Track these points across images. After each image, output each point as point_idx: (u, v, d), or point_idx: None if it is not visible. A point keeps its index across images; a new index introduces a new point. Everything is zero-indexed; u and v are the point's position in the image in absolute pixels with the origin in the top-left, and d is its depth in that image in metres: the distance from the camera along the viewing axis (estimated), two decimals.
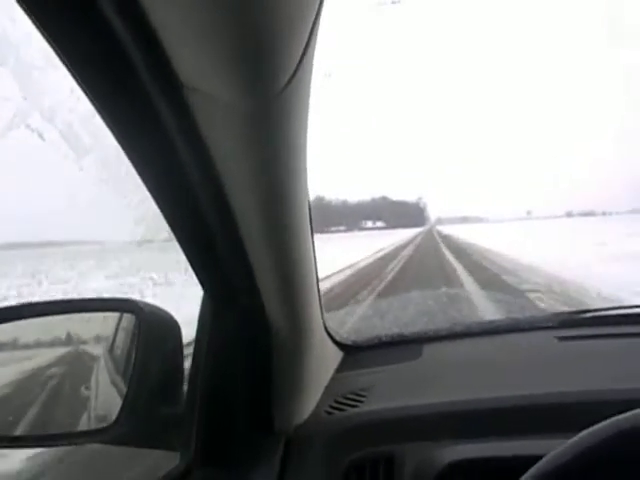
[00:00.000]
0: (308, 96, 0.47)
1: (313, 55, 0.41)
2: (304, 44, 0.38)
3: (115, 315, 0.73)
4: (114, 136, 0.47)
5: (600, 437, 0.45)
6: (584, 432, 0.46)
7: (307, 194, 0.65)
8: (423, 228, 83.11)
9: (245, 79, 0.38)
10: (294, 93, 0.43)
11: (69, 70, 0.40)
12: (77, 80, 0.41)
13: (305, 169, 0.58)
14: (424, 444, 0.73)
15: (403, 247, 22.17)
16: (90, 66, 0.41)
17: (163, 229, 0.62)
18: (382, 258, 15.92)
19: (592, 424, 0.46)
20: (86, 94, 0.43)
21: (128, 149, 0.49)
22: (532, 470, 0.46)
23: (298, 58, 0.39)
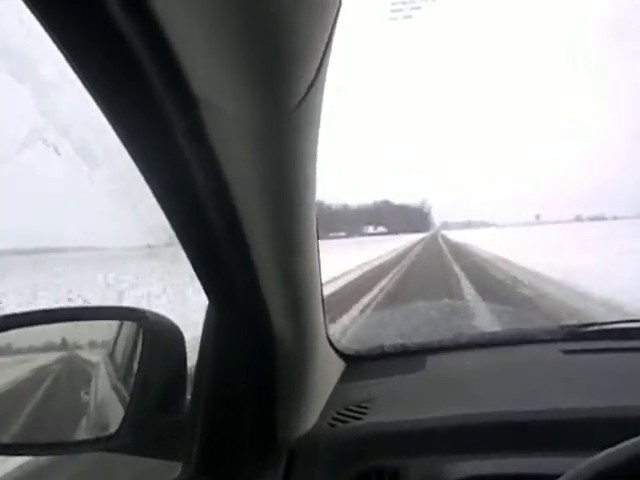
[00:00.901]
0: (320, 112, 0.49)
1: (326, 72, 0.43)
2: (319, 61, 0.40)
3: (116, 322, 0.76)
4: (126, 148, 0.49)
5: (620, 459, 0.45)
6: (603, 453, 0.46)
7: (314, 207, 0.67)
8: (427, 233, 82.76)
9: (261, 95, 0.40)
10: (308, 109, 0.45)
11: (84, 84, 0.42)
12: (92, 94, 0.43)
13: (314, 184, 0.61)
14: (429, 459, 0.75)
15: (400, 258, 18.88)
16: (105, 79, 0.43)
17: (171, 238, 0.66)
18: (379, 266, 14.47)
19: (601, 441, 0.46)
20: (100, 107, 0.44)
21: (139, 161, 0.51)
22: None
23: (313, 75, 0.41)
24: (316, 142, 0.53)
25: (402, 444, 0.79)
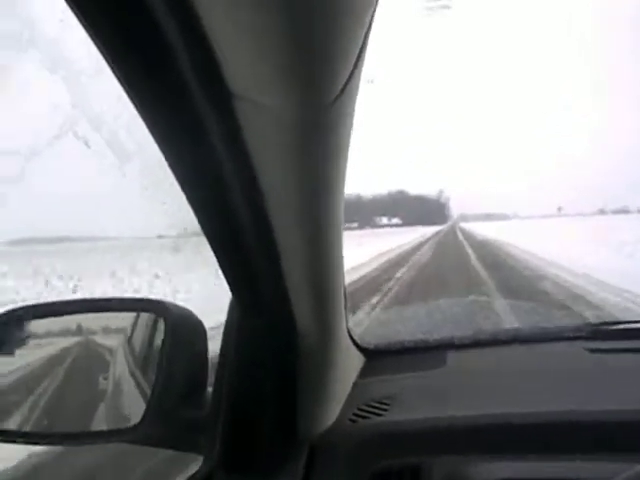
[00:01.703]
0: (354, 107, 0.50)
1: (362, 68, 0.44)
2: (355, 57, 0.41)
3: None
4: (156, 142, 0.50)
5: None
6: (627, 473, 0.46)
7: (343, 203, 0.68)
8: (444, 226, 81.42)
9: (297, 91, 0.41)
10: (343, 105, 0.45)
11: (117, 77, 0.43)
12: (125, 88, 0.44)
13: (344, 181, 0.61)
14: (452, 458, 0.76)
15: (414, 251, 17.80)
16: (140, 74, 0.43)
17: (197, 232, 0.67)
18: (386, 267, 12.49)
19: (630, 446, 0.47)
20: (132, 100, 0.45)
21: (169, 156, 0.52)
22: None
23: (349, 71, 0.41)
24: (349, 138, 0.54)
25: (424, 442, 0.80)
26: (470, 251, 16.49)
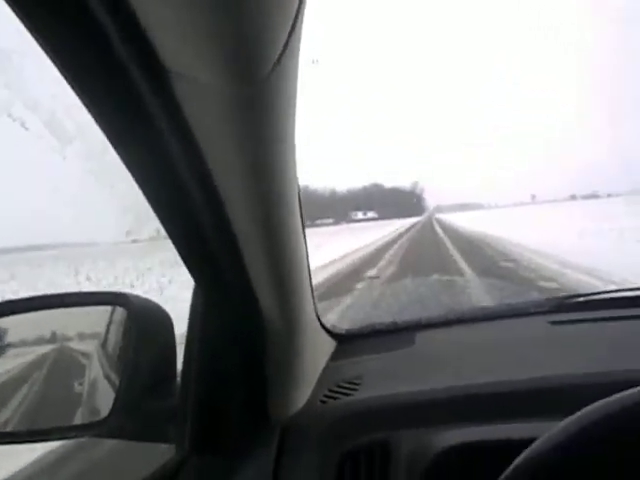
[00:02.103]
0: (295, 80, 0.50)
1: (300, 38, 0.44)
2: (290, 26, 0.41)
3: (107, 310, 0.79)
4: (98, 124, 0.50)
5: (602, 414, 0.48)
6: (585, 409, 0.50)
7: (297, 182, 0.69)
8: (421, 217, 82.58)
9: (230, 63, 0.41)
10: (281, 77, 0.46)
11: (50, 57, 0.42)
12: (58, 67, 0.44)
13: (294, 157, 0.62)
14: (420, 430, 0.79)
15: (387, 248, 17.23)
16: (70, 53, 0.43)
17: (152, 220, 0.67)
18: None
19: (587, 405, 0.50)
20: (67, 81, 0.45)
21: (112, 138, 0.52)
22: (532, 448, 0.50)
23: (284, 41, 0.41)
24: (294, 112, 0.54)
25: (392, 417, 0.83)
26: (451, 247, 15.23)
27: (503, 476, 0.51)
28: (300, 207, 0.76)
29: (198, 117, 0.49)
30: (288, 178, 0.62)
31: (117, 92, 0.47)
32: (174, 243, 0.68)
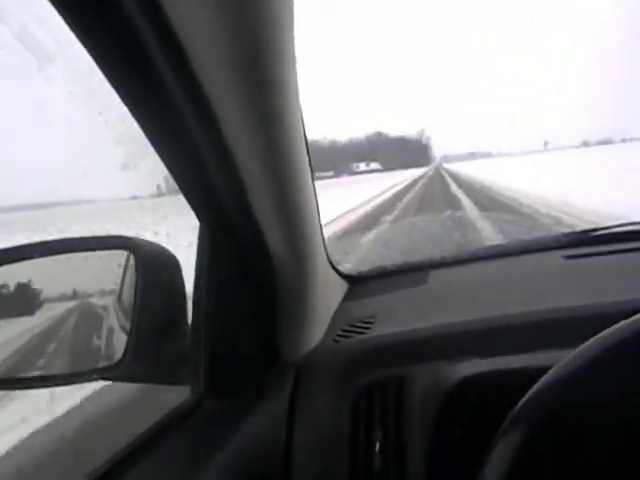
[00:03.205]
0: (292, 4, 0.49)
1: None
2: None
3: (121, 264, 0.81)
4: (90, 53, 0.50)
5: (615, 339, 0.51)
6: (599, 335, 0.52)
7: (302, 117, 0.68)
8: (427, 168, 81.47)
9: None
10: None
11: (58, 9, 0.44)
12: (70, 24, 0.45)
13: (297, 87, 0.61)
14: (434, 364, 0.82)
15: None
16: (83, 8, 0.44)
17: (148, 152, 0.66)
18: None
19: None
20: (84, 44, 0.47)
21: (105, 67, 0.52)
22: (540, 382, 0.52)
23: None
24: (292, 28, 0.53)
25: (406, 353, 0.86)
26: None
27: (521, 403, 0.53)
28: (306, 144, 0.75)
29: (195, 39, 0.49)
30: (292, 109, 0.62)
31: (113, 24, 0.47)
32: (174, 178, 0.69)
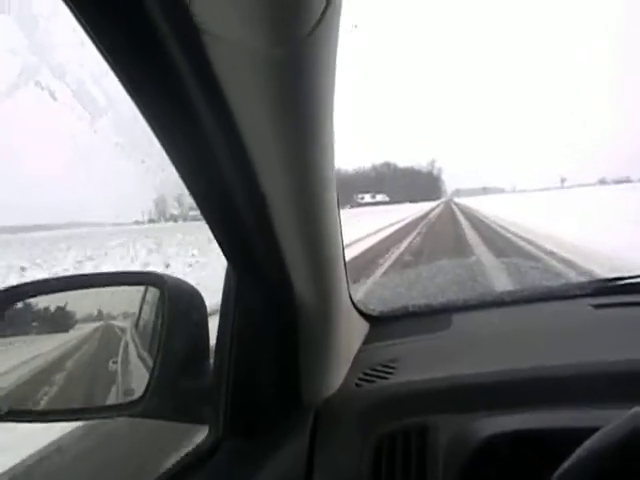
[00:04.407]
0: (336, 42, 0.51)
1: None
2: None
3: (140, 290, 0.86)
4: (128, 93, 0.52)
5: None
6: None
7: (333, 154, 0.71)
8: (437, 202, 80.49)
9: (268, 23, 0.42)
10: (321, 38, 0.46)
11: (79, 21, 0.44)
12: (88, 31, 0.45)
13: (332, 126, 0.63)
14: (458, 416, 0.84)
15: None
16: (102, 15, 0.44)
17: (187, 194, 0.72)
18: None
19: (637, 394, 0.53)
20: (98, 48, 0.46)
21: (144, 107, 0.53)
22: (588, 443, 0.50)
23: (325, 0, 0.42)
24: (333, 75, 0.55)
25: (430, 402, 0.89)
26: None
27: (563, 468, 0.51)
28: (336, 188, 0.79)
29: (234, 82, 0.50)
30: (325, 148, 0.64)
31: (149, 57, 0.48)
32: (206, 220, 0.73)
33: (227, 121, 0.55)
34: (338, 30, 0.50)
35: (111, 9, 0.44)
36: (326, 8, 0.43)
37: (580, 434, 0.51)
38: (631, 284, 1.36)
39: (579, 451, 0.50)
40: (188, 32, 0.44)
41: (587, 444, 0.50)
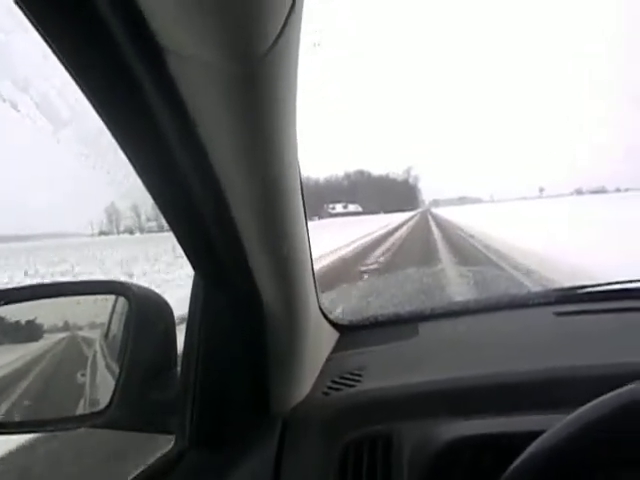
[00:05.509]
0: (296, 59, 0.56)
1: (301, 15, 0.49)
2: (290, 2, 0.45)
3: (110, 300, 0.90)
4: (93, 107, 0.55)
5: (600, 412, 0.55)
6: (584, 407, 0.57)
7: (298, 166, 0.77)
8: (414, 212, 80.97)
9: (228, 40, 0.45)
10: (281, 55, 0.50)
11: (43, 38, 0.47)
12: (51, 47, 0.48)
13: (295, 140, 0.68)
14: (422, 422, 0.90)
15: None
16: (64, 32, 0.47)
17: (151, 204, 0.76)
18: None
19: (593, 399, 0.57)
20: (61, 62, 0.50)
21: (108, 121, 0.57)
22: (533, 446, 0.57)
23: (284, 17, 0.46)
24: (294, 91, 0.59)
25: (395, 409, 0.95)
26: None
27: (508, 471, 0.58)
28: (302, 192, 0.85)
29: (195, 97, 0.54)
30: (289, 161, 0.68)
31: (112, 73, 0.52)
32: (172, 229, 0.77)
33: (191, 135, 0.58)
34: (298, 47, 0.54)
35: (73, 26, 0.47)
36: (284, 26, 0.47)
37: (533, 437, 0.57)
38: (593, 292, 1.46)
39: (521, 456, 0.56)
40: (149, 49, 0.48)
41: (531, 447, 0.56)
